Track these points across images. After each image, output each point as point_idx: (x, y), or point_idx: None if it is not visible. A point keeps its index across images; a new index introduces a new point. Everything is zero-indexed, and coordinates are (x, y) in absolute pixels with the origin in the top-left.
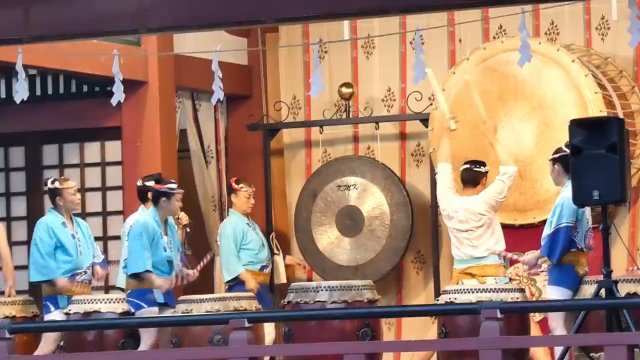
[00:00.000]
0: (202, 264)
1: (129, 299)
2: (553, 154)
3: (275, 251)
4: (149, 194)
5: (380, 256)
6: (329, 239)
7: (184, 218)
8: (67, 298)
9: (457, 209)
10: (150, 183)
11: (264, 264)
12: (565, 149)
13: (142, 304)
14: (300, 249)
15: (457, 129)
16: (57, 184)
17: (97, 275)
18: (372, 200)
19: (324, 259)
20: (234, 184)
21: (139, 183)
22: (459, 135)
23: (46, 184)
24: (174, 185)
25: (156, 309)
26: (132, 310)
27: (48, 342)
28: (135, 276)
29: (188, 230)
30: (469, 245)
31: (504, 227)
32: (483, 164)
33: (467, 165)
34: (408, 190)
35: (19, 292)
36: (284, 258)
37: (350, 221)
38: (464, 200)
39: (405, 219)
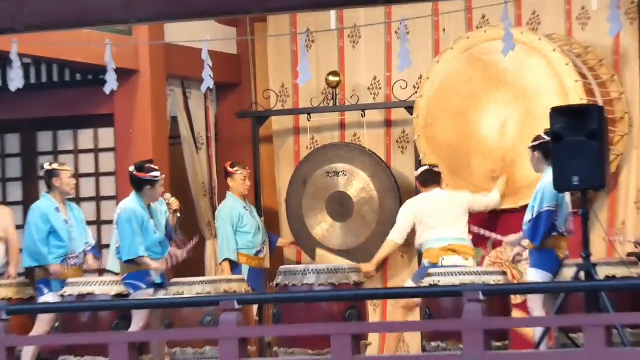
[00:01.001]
0: (190, 245)
1: (127, 281)
2: (532, 141)
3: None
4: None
5: (369, 240)
6: (320, 224)
7: (175, 203)
8: (60, 281)
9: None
10: (132, 169)
11: (259, 248)
12: (544, 136)
13: (140, 285)
14: (293, 233)
15: (441, 116)
16: (55, 166)
17: (89, 265)
18: (360, 185)
19: (316, 243)
20: (228, 167)
21: (131, 169)
22: (443, 122)
23: (43, 167)
24: (157, 173)
25: (151, 290)
26: (131, 292)
27: (43, 323)
28: (131, 262)
29: (179, 215)
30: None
31: (489, 211)
32: (436, 166)
33: (427, 167)
34: (394, 176)
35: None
36: (275, 241)
37: (341, 207)
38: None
39: (393, 204)
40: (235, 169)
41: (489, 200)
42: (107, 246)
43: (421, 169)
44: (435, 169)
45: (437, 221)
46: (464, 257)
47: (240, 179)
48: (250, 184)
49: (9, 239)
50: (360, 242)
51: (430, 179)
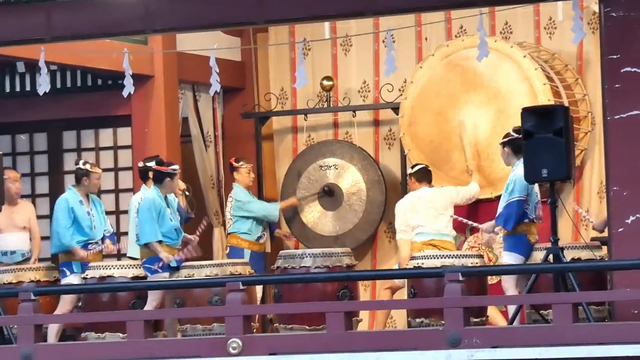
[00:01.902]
0: (200, 229)
1: (145, 265)
2: (503, 138)
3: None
4: (150, 174)
5: (357, 227)
6: (312, 212)
7: (181, 184)
8: (81, 264)
9: (422, 196)
10: (151, 164)
11: (260, 234)
12: (513, 133)
13: (157, 269)
14: (286, 220)
15: (423, 116)
16: (87, 167)
17: (107, 249)
18: (350, 178)
19: (307, 230)
20: (234, 162)
21: (141, 165)
22: (425, 121)
23: (77, 164)
24: (176, 166)
25: (167, 273)
26: (149, 275)
27: (66, 302)
28: (146, 246)
29: (187, 194)
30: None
31: None
32: (428, 166)
33: (423, 166)
34: (381, 170)
35: (42, 260)
36: (274, 231)
37: (331, 197)
38: (425, 190)
39: (380, 195)
40: (241, 163)
41: (472, 192)
42: (126, 233)
43: (417, 167)
44: (429, 168)
45: (421, 217)
46: (443, 252)
47: (245, 172)
48: (254, 176)
49: (32, 230)
50: (348, 228)
51: (424, 176)
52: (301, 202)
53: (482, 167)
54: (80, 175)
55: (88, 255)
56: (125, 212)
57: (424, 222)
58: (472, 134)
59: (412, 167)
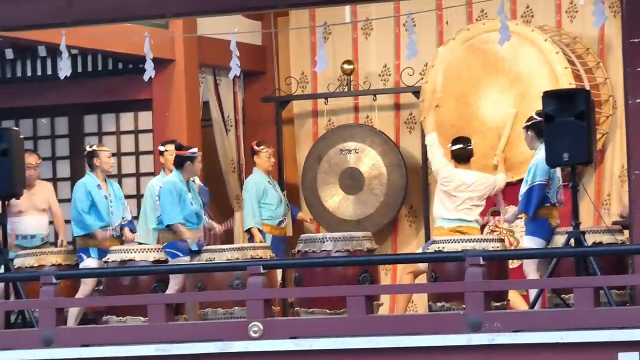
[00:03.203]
0: (226, 225)
1: (166, 249)
2: (526, 122)
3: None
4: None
5: (378, 211)
6: (333, 196)
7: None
8: (98, 250)
9: (467, 182)
10: (170, 148)
11: (281, 219)
12: (536, 117)
13: (178, 253)
14: (307, 205)
15: (445, 100)
16: (94, 147)
17: (127, 237)
18: (370, 162)
19: (329, 214)
20: (255, 146)
21: (162, 148)
22: (447, 105)
23: (85, 150)
24: (195, 150)
25: (188, 257)
26: (170, 259)
27: (87, 286)
28: (169, 230)
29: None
30: (470, 209)
31: None
32: (469, 140)
33: (461, 145)
34: (402, 154)
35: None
36: (296, 214)
37: (352, 181)
38: (470, 174)
39: (400, 179)
40: (261, 147)
41: (502, 184)
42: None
43: (454, 146)
44: (469, 147)
45: (457, 203)
46: (465, 236)
47: (265, 156)
48: (274, 160)
49: (53, 211)
50: (369, 212)
51: (464, 156)
52: (311, 221)
53: (505, 151)
54: (90, 158)
55: (107, 237)
56: None
57: (458, 210)
58: (493, 116)
59: (453, 142)
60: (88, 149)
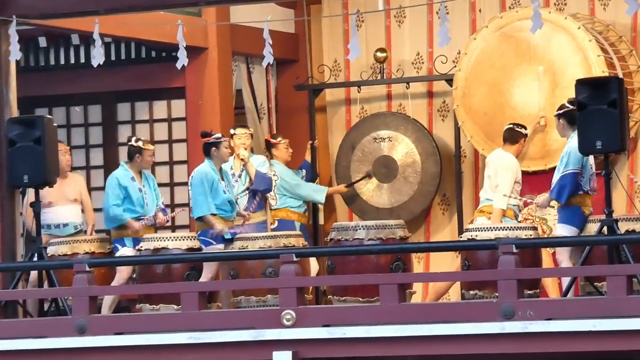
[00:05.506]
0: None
1: (200, 237)
2: (557, 110)
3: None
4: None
5: (412, 199)
6: (367, 185)
7: (243, 152)
8: (133, 240)
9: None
10: (240, 132)
11: (306, 206)
12: (568, 105)
13: (211, 241)
14: (341, 194)
15: (477, 88)
16: (140, 144)
17: (159, 220)
18: (404, 150)
19: (362, 202)
20: (271, 139)
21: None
22: (479, 94)
23: (129, 141)
24: (219, 135)
25: (222, 245)
26: (203, 247)
27: (123, 274)
28: (200, 219)
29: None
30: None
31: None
32: (524, 127)
33: (510, 126)
34: (436, 142)
35: (98, 231)
36: (308, 167)
37: (386, 169)
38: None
39: (434, 167)
40: (279, 139)
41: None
42: (181, 205)
43: (506, 127)
44: (517, 129)
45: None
46: (487, 216)
47: (283, 148)
48: (292, 151)
49: (84, 202)
50: (403, 201)
51: (508, 137)
52: (348, 189)
53: (536, 139)
54: (133, 153)
55: (141, 228)
56: (180, 184)
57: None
58: (525, 104)
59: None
60: (134, 142)
